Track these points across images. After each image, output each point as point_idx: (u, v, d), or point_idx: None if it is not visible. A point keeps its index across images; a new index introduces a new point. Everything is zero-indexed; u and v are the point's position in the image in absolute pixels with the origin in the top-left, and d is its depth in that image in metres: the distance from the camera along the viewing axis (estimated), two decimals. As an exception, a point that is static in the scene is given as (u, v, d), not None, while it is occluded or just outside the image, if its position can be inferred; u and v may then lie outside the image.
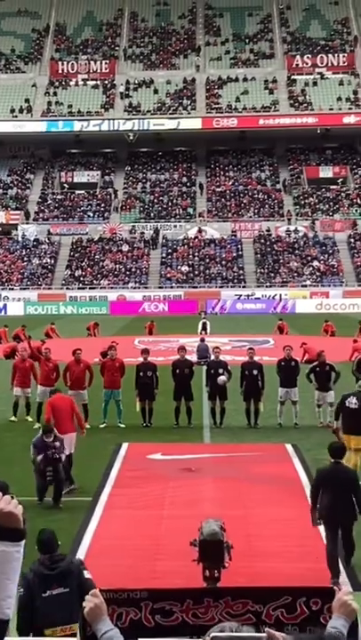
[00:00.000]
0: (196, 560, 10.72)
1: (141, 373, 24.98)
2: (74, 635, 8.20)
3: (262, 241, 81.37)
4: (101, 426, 24.72)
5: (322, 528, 15.12)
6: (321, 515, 13.52)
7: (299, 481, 18.53)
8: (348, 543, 13.47)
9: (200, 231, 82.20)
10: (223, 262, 79.43)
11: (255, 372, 24.84)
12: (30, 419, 25.65)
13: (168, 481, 18.79)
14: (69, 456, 18.64)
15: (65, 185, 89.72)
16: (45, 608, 8.46)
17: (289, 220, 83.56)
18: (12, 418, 26.19)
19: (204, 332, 47.98)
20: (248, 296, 73.91)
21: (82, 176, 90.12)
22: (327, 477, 13.56)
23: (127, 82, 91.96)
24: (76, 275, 78.99)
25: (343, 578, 13.12)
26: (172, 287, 76.65)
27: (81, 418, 20.73)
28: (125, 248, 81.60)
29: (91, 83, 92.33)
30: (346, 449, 14.57)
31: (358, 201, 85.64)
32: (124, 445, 22.30)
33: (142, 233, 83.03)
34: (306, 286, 75.60)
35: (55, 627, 8.40)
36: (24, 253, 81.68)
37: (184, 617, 5.67)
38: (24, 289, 76.73)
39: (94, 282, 77.98)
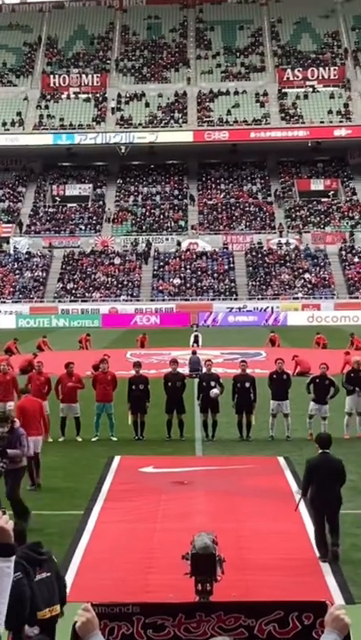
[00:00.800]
0: (188, 574, 10.70)
1: (133, 386, 24.97)
2: (58, 615, 8.63)
3: (254, 253, 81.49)
4: (93, 439, 24.71)
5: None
6: (311, 501, 14.71)
7: (291, 493, 18.51)
8: (335, 527, 14.39)
9: (179, 244, 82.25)
10: (215, 275, 79.49)
11: (247, 384, 24.84)
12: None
13: (160, 494, 18.76)
14: (36, 456, 19.04)
15: (57, 198, 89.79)
16: (38, 591, 8.61)
17: (281, 232, 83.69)
18: None
19: (195, 345, 47.90)
20: (240, 308, 73.95)
21: (74, 189, 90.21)
22: (317, 467, 14.52)
23: (119, 95, 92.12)
24: (68, 287, 78.99)
25: (336, 591, 13.11)
26: (163, 300, 76.67)
27: (47, 422, 20.97)
28: (117, 261, 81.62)
29: (82, 96, 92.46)
30: (331, 439, 15.35)
31: (349, 214, 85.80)
32: (117, 458, 22.27)
33: (134, 246, 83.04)
34: (297, 299, 75.67)
35: (45, 609, 8.54)
36: (16, 266, 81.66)
37: (176, 631, 5.65)
38: (16, 302, 76.70)
39: (86, 295, 77.97)
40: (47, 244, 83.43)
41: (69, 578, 13.70)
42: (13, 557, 5.07)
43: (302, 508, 15.94)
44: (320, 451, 14.90)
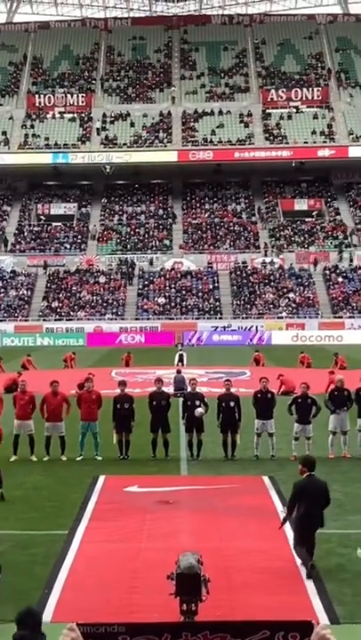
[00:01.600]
0: (173, 594, 10.68)
1: (119, 405, 24.93)
2: None
3: (238, 273, 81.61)
4: (78, 458, 24.63)
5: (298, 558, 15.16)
6: (296, 522, 14.91)
7: (276, 513, 18.49)
8: (312, 545, 14.70)
9: (151, 263, 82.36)
10: (200, 294, 79.59)
11: (232, 403, 24.82)
12: None
13: (145, 514, 18.72)
14: None
15: (42, 217, 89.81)
16: None
17: (265, 252, 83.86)
18: None
19: (180, 364, 47.95)
20: (224, 328, 74.02)
21: (58, 208, 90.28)
22: (303, 489, 14.73)
23: (104, 115, 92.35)
24: (53, 306, 78.94)
25: (321, 611, 13.09)
26: (148, 319, 76.71)
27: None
28: (102, 280, 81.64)
29: (68, 116, 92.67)
30: (315, 462, 15.51)
31: (333, 234, 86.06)
32: (101, 478, 22.20)
33: (119, 264, 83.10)
34: (282, 318, 75.82)
35: None
36: (1, 285, 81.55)
37: (162, 651, 5.63)
38: (1, 321, 76.57)
39: (71, 313, 77.93)
40: (42, 263, 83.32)
41: (54, 597, 13.67)
42: None
43: (287, 528, 15.94)
44: (306, 473, 15.01)
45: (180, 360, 49.82)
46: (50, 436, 24.86)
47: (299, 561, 14.86)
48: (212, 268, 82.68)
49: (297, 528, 14.89)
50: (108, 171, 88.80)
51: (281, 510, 17.43)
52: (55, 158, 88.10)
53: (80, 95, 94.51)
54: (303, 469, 15.15)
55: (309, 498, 14.59)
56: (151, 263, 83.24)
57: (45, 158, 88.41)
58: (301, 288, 79.94)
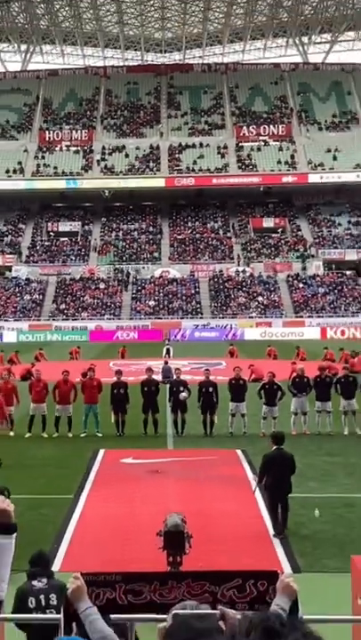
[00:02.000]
0: (161, 548, 10.67)
1: (115, 390, 24.96)
2: None
3: (216, 280, 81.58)
4: (82, 435, 24.62)
5: (267, 518, 15.15)
6: (267, 489, 14.83)
7: (247, 480, 18.50)
8: (285, 511, 14.60)
9: (136, 272, 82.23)
10: (184, 298, 79.50)
11: (210, 389, 24.85)
12: (12, 433, 25.10)
13: (138, 481, 18.72)
14: None
15: (51, 233, 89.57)
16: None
17: (238, 262, 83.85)
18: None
19: (167, 356, 47.89)
20: (204, 326, 73.95)
21: (65, 226, 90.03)
22: (272, 460, 14.67)
23: (103, 148, 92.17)
24: (61, 308, 78.76)
25: (285, 561, 13.10)
26: (141, 318, 76.59)
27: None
28: (102, 286, 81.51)
29: (73, 148, 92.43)
30: (284, 437, 15.41)
31: (295, 247, 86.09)
32: (101, 451, 22.20)
33: (116, 273, 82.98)
34: (252, 317, 75.79)
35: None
36: (17, 290, 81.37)
37: (152, 596, 5.62)
38: (17, 320, 76.39)
39: (76, 314, 77.76)
40: (52, 272, 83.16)
41: (62, 551, 13.66)
42: (15, 534, 5.06)
43: (256, 493, 15.93)
44: (275, 447, 14.96)
45: (168, 353, 49.77)
46: (60, 416, 24.86)
47: (269, 522, 14.88)
48: (193, 276, 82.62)
49: (268, 494, 14.87)
50: (106, 194, 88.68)
51: (252, 478, 17.48)
52: (68, 184, 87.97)
53: (83, 131, 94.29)
54: (272, 443, 15.16)
55: (278, 467, 14.53)
56: (138, 272, 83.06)
57: (54, 184, 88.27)
58: (268, 292, 79.94)
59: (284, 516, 14.58)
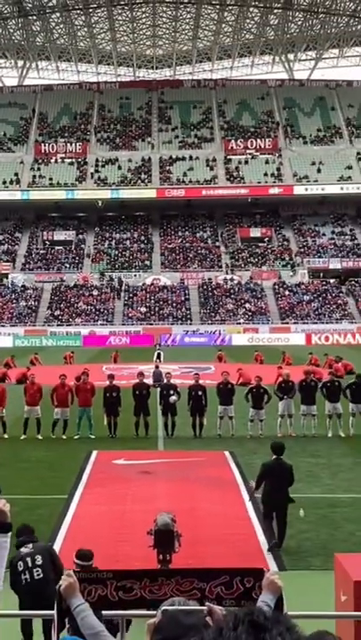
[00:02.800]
0: (151, 546, 10.67)
1: (108, 394, 24.93)
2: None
3: (205, 287, 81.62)
4: (75, 437, 24.59)
5: (253, 515, 15.15)
6: (263, 499, 14.10)
7: (235, 481, 18.51)
8: (282, 524, 13.81)
9: (120, 283, 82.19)
10: (174, 304, 79.52)
11: (200, 392, 24.87)
12: (6, 436, 25.04)
13: (129, 482, 18.70)
14: None
15: (46, 242, 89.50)
16: None
17: (226, 270, 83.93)
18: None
19: (158, 361, 47.74)
20: (194, 331, 73.98)
21: (60, 235, 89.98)
22: (270, 470, 14.01)
23: (97, 160, 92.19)
24: (56, 314, 78.67)
25: (270, 560, 13.10)
26: (133, 324, 76.54)
27: None
28: (95, 293, 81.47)
29: (67, 160, 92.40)
30: (284, 447, 14.73)
31: (281, 256, 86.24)
32: (94, 452, 22.18)
33: (109, 280, 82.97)
34: (240, 323, 75.81)
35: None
36: (13, 297, 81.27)
37: (142, 592, 5.63)
38: (13, 325, 76.26)
39: (70, 320, 77.68)
40: (47, 279, 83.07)
41: (56, 549, 13.60)
42: (10, 533, 5.07)
43: (244, 494, 15.92)
44: (274, 456, 14.33)
45: (158, 357, 49.66)
46: (59, 419, 24.81)
47: (256, 521, 14.83)
48: (183, 283, 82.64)
49: (264, 503, 14.22)
50: (100, 205, 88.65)
51: (244, 484, 17.24)
52: (67, 195, 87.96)
53: (77, 144, 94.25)
54: (271, 453, 14.47)
55: (275, 478, 13.93)
56: (123, 283, 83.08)
57: (50, 195, 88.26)
58: (255, 300, 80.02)
59: (281, 530, 13.91)
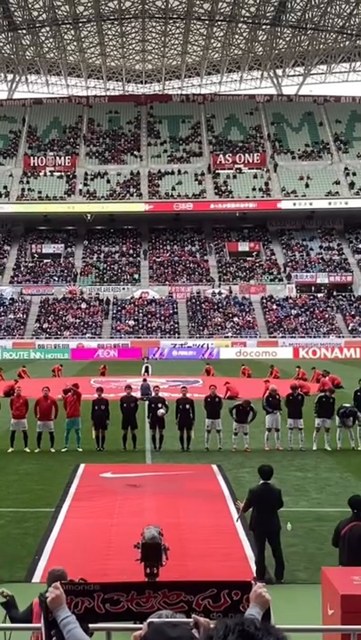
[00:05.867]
0: (139, 559, 10.64)
1: (96, 407, 24.89)
2: None
3: (193, 301, 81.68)
4: (63, 450, 24.53)
5: (241, 532, 15.12)
6: (252, 526, 13.40)
7: (222, 494, 18.50)
8: (278, 553, 13.20)
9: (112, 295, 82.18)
10: (162, 318, 79.53)
11: (187, 406, 24.85)
12: None
13: (117, 495, 18.66)
14: None
15: (35, 255, 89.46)
16: None
17: (214, 284, 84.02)
18: None
19: (146, 374, 47.83)
20: (182, 345, 73.97)
21: (49, 248, 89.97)
22: (258, 495, 13.24)
23: (85, 173, 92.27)
24: (44, 327, 78.55)
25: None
26: (121, 337, 76.48)
27: None
28: (84, 306, 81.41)
29: (56, 174, 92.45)
30: (272, 471, 13.86)
31: (269, 270, 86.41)
32: (82, 466, 22.13)
33: (97, 294, 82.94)
34: (228, 337, 75.87)
35: None
36: (2, 309, 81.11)
37: (129, 605, 5.62)
38: (1, 338, 76.06)
39: (58, 333, 77.58)
40: (35, 292, 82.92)
41: (43, 562, 13.58)
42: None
43: (231, 507, 15.89)
44: (261, 481, 13.48)
45: (146, 371, 49.73)
46: (41, 432, 24.75)
47: (243, 534, 14.78)
48: (172, 297, 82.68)
49: (254, 530, 13.45)
50: (88, 218, 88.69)
51: (234, 501, 16.87)
52: (56, 208, 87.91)
53: (66, 157, 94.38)
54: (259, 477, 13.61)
55: (264, 503, 13.11)
56: (113, 299, 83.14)
57: (39, 208, 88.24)
58: (243, 313, 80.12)
59: (279, 561, 13.19)
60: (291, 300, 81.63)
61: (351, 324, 77.72)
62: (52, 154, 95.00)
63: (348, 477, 20.75)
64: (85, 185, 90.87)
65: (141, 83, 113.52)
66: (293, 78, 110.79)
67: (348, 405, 25.02)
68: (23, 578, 12.88)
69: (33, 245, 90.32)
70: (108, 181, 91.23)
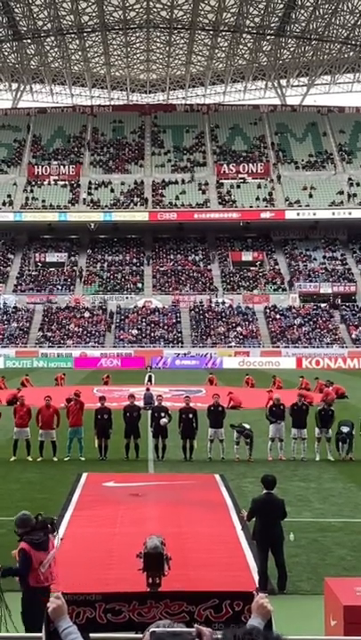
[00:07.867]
0: (141, 569, 10.60)
1: (99, 416, 24.88)
2: None
3: (196, 310, 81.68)
4: (66, 459, 24.51)
5: (243, 542, 15.07)
6: (255, 537, 13.31)
7: (225, 504, 18.45)
8: (281, 565, 13.11)
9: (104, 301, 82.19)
10: (165, 327, 79.53)
11: (190, 415, 24.83)
12: None
13: (119, 504, 18.61)
14: None
15: (39, 263, 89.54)
16: None
17: (217, 294, 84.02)
18: None
19: (149, 383, 47.72)
20: (185, 354, 73.93)
21: (52, 257, 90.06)
22: (261, 505, 13.19)
23: (89, 182, 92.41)
24: (47, 335, 78.57)
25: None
26: (124, 346, 76.46)
27: None
28: (87, 314, 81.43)
29: (60, 183, 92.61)
30: (276, 481, 13.87)
31: (273, 280, 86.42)
32: (84, 475, 22.08)
33: (101, 303, 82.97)
34: (231, 347, 75.81)
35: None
36: (5, 318, 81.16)
37: (130, 615, 5.59)
38: (4, 347, 76.09)
39: (61, 341, 77.59)
40: (39, 300, 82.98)
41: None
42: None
43: (234, 517, 15.83)
44: (265, 491, 13.45)
45: (149, 380, 49.60)
46: (43, 441, 24.73)
47: (245, 543, 14.73)
48: (175, 306, 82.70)
49: (257, 540, 13.34)
50: (92, 227, 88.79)
51: (238, 511, 16.80)
52: (60, 217, 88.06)
53: (71, 166, 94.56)
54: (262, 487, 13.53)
55: (267, 513, 13.04)
56: (120, 306, 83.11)
57: (42, 216, 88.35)
58: (247, 323, 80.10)
59: (282, 571, 13.10)
60: (294, 310, 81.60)
61: (355, 334, 77.66)
62: (56, 163, 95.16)
63: (351, 488, 20.70)
64: (89, 194, 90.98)
65: (146, 92, 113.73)
66: (297, 89, 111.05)
67: (345, 430, 24.77)
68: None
69: (36, 254, 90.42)
70: (112, 190, 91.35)
